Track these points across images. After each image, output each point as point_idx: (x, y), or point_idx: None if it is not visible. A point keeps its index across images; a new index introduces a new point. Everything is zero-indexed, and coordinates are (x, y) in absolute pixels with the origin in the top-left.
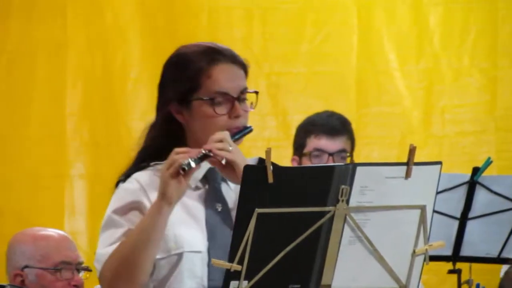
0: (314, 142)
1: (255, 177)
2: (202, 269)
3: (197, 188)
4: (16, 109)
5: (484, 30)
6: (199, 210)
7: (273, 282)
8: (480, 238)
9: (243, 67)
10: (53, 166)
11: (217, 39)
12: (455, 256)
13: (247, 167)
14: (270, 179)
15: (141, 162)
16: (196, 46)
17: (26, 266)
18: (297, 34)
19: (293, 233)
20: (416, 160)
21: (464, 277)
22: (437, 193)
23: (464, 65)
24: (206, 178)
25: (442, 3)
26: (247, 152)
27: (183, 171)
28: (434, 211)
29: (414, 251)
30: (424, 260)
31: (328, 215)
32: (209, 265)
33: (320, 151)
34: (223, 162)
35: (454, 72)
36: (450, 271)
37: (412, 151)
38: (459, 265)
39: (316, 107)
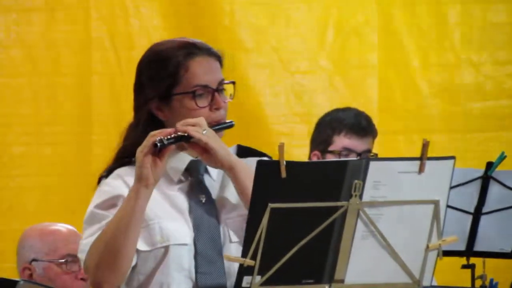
0: (344, 141)
1: (268, 172)
2: (189, 262)
3: (180, 181)
4: (41, 108)
5: (505, 27)
6: (183, 202)
7: (286, 277)
8: (494, 233)
9: (219, 59)
10: (80, 164)
11: (240, 38)
12: (469, 251)
13: (260, 162)
14: (283, 174)
15: (122, 158)
16: (170, 42)
17: (34, 260)
18: (320, 33)
19: (306, 228)
20: (435, 155)
21: (478, 272)
22: (451, 187)
23: (483, 61)
24: (188, 171)
25: (460, 1)
26: (271, 149)
27: (155, 147)
28: (448, 206)
29: (427, 246)
30: (438, 255)
31: (341, 210)
32: (196, 257)
33: (349, 150)
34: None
35: (473, 69)
36: (464, 266)
37: (425, 145)
38: (472, 260)
39: (340, 105)
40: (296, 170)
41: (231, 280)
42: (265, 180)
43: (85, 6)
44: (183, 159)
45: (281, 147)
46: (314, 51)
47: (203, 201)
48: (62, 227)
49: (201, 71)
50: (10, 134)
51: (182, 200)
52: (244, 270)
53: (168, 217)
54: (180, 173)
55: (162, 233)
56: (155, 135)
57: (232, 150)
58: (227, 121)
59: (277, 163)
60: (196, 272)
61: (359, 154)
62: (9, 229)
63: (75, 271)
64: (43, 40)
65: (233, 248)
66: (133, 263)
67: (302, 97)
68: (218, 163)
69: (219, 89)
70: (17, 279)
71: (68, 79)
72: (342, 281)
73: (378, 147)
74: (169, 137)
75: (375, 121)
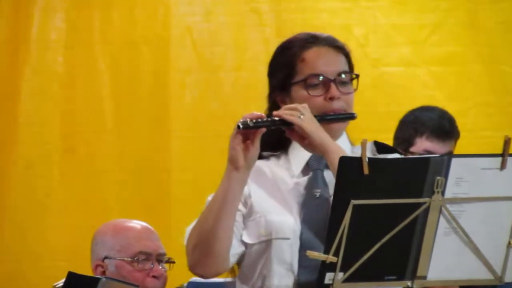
0: (425, 144)
1: (350, 168)
2: (291, 255)
3: (300, 176)
4: (121, 104)
5: None
6: (296, 196)
7: (368, 274)
8: None
9: (343, 51)
10: (158, 160)
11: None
12: None
13: (343, 159)
14: (366, 171)
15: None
16: (297, 34)
17: (107, 257)
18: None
19: (389, 224)
20: None
21: None
22: None
23: None
24: (308, 166)
25: None
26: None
27: (238, 128)
28: None
29: (509, 243)
30: None
31: (423, 207)
32: (300, 251)
33: (430, 153)
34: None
35: None
36: None
37: (507, 142)
38: None
39: (427, 101)
40: (379, 167)
41: None
42: (347, 176)
43: (165, 2)
44: (304, 154)
45: (363, 143)
46: (401, 47)
47: (317, 195)
48: (137, 224)
49: (316, 60)
50: (90, 131)
51: (296, 195)
52: (326, 267)
53: (276, 211)
54: (301, 168)
55: (266, 227)
56: (243, 117)
57: (369, 146)
58: (347, 112)
59: (359, 160)
60: (299, 265)
61: None
62: (87, 225)
63: (147, 269)
64: (123, 37)
65: None
66: (237, 250)
67: (390, 94)
68: (313, 148)
69: (338, 80)
70: (99, 276)
71: (147, 76)
72: (424, 277)
73: (468, 145)
74: (256, 120)
75: (464, 118)
